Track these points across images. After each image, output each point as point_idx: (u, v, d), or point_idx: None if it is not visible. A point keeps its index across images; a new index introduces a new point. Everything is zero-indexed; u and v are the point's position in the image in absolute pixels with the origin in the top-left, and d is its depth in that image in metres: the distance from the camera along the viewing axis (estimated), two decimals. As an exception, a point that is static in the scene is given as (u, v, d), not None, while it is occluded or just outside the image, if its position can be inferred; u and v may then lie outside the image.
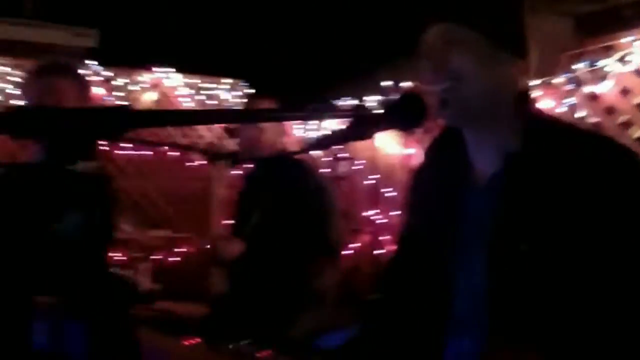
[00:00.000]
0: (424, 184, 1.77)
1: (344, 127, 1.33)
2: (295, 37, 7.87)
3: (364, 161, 6.01)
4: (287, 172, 3.59)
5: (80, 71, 2.79)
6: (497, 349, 1.42)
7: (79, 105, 2.50)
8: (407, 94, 1.34)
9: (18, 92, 5.99)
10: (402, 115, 1.33)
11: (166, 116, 1.17)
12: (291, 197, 3.52)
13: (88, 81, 2.72)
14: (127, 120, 0.99)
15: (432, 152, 1.77)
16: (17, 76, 5.99)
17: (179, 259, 6.32)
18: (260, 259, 3.49)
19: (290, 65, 7.83)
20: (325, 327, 3.20)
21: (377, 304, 1.79)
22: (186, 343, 1.77)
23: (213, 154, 3.59)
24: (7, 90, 6.02)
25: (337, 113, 1.30)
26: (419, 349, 1.61)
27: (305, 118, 2.92)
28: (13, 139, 0.94)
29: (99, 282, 2.44)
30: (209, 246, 3.87)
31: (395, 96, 1.32)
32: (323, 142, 1.48)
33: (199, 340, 2.21)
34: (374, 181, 5.93)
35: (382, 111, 1.31)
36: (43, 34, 7.83)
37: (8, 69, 6.08)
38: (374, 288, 1.91)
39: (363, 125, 1.32)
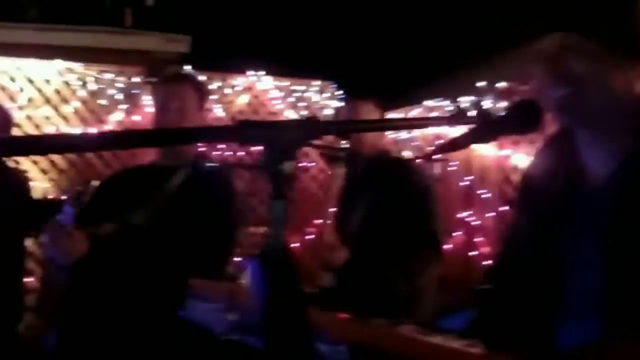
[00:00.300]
0: (537, 184, 1.83)
1: (465, 131, 1.41)
2: (387, 38, 7.95)
3: (457, 162, 6.05)
4: (394, 170, 3.69)
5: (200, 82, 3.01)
6: (613, 338, 1.49)
7: (198, 108, 2.72)
8: (524, 100, 1.42)
9: (122, 96, 6.34)
10: (520, 120, 1.41)
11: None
12: (399, 194, 3.60)
13: (207, 90, 2.90)
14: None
15: (545, 153, 1.83)
16: (121, 82, 6.31)
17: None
18: (367, 254, 3.57)
19: (382, 65, 7.91)
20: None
21: (489, 292, 1.87)
22: (340, 317, 1.86)
23: (331, 155, 3.70)
24: (115, 96, 6.31)
25: (464, 119, 1.38)
26: (532, 336, 1.68)
27: (436, 124, 2.97)
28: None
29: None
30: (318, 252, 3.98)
31: (507, 101, 1.41)
32: (447, 147, 1.55)
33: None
34: (468, 182, 5.95)
35: (502, 116, 1.39)
36: (139, 41, 8.18)
37: (112, 76, 6.37)
38: (482, 281, 1.98)
39: (485, 130, 1.40)
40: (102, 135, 1.99)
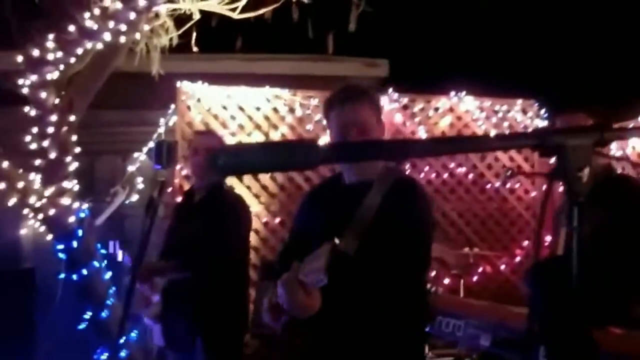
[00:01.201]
0: None
1: None
2: (591, 55, 7.69)
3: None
4: (620, 188, 3.56)
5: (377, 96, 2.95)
6: None
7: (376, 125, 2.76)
8: None
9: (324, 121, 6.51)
10: None
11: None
12: (627, 213, 3.47)
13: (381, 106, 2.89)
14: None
15: None
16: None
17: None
18: (597, 276, 3.44)
19: (586, 82, 7.65)
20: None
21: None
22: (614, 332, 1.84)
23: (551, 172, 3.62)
24: (323, 122, 6.49)
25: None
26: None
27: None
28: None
29: None
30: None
31: None
32: None
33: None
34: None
35: None
36: (339, 67, 8.40)
37: (317, 101, 6.58)
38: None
39: None
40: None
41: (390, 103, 6.80)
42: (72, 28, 4.54)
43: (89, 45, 4.64)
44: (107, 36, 4.66)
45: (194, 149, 4.18)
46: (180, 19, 6.17)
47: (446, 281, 6.48)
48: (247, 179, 6.44)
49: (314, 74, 8.12)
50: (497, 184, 7.03)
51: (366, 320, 2.60)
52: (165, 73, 6.32)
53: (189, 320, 3.96)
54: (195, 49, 6.18)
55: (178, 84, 6.44)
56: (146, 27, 5.52)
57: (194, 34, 6.18)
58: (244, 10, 5.97)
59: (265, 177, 6.47)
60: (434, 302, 4.41)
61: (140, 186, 6.67)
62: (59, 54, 4.57)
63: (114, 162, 7.28)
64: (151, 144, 6.55)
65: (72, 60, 4.69)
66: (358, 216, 2.64)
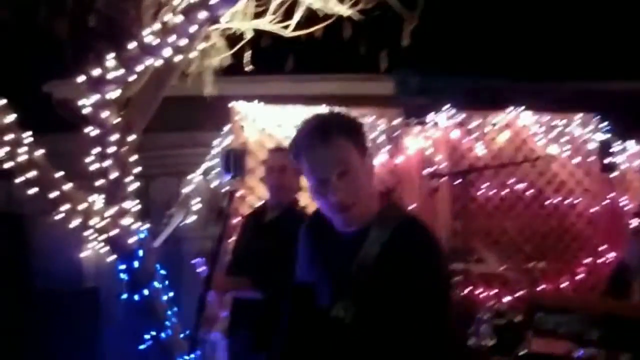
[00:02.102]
0: None
1: None
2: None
3: None
4: None
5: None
6: None
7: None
8: None
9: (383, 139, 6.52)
10: None
11: None
12: None
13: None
14: None
15: None
16: (382, 124, 6.52)
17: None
18: None
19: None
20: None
21: None
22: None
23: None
24: (378, 140, 6.51)
25: None
26: None
27: None
28: None
29: None
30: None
31: None
32: None
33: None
34: None
35: None
36: (388, 86, 8.39)
37: (373, 119, 6.58)
38: None
39: None
40: None
41: (446, 119, 6.77)
42: (132, 45, 4.62)
43: (148, 61, 4.73)
44: (167, 52, 4.74)
45: (270, 167, 4.12)
46: (231, 39, 6.26)
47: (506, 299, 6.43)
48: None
49: (364, 93, 8.13)
50: (557, 199, 6.94)
51: None
52: (217, 95, 6.41)
53: (254, 338, 3.94)
54: (248, 68, 6.24)
55: (232, 103, 6.50)
56: (199, 48, 5.63)
57: (247, 54, 6.25)
58: (296, 28, 6.02)
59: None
60: (532, 299, 4.33)
61: (197, 207, 6.72)
62: (120, 72, 4.66)
63: (169, 184, 7.36)
64: (214, 159, 6.61)
65: (132, 78, 4.78)
66: (353, 274, 2.26)
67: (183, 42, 4.81)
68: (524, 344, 5.18)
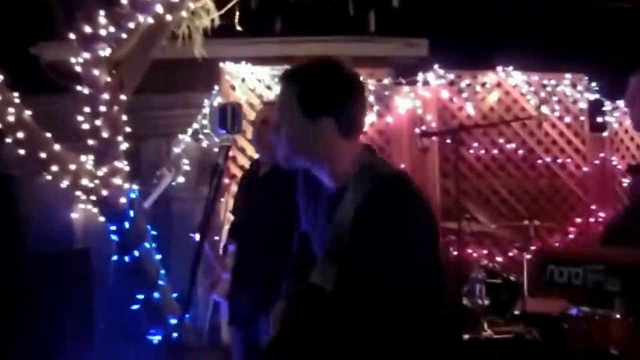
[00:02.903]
0: None
1: None
2: None
3: None
4: None
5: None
6: None
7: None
8: None
9: (372, 99, 6.50)
10: None
11: None
12: None
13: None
14: None
15: None
16: (372, 85, 6.50)
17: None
18: None
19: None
20: None
21: None
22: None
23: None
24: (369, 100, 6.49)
25: None
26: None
27: None
28: None
29: None
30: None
31: None
32: None
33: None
34: None
35: None
36: (379, 47, 8.37)
37: (362, 79, 6.54)
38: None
39: None
40: None
41: (436, 79, 6.76)
42: (124, 1, 4.56)
43: (141, 18, 4.66)
44: (159, 8, 4.68)
45: (262, 119, 3.96)
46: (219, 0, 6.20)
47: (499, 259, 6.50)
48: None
49: (354, 54, 8.08)
50: (548, 159, 6.96)
51: None
52: (206, 56, 6.36)
53: (253, 296, 3.92)
54: (238, 28, 6.19)
55: (221, 64, 6.45)
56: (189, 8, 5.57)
57: (237, 15, 6.19)
58: (286, -12, 5.97)
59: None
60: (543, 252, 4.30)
61: (186, 168, 6.70)
62: (111, 29, 4.60)
63: (159, 145, 7.34)
64: (203, 120, 6.58)
65: (123, 35, 4.72)
66: (331, 237, 2.17)
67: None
68: (518, 303, 5.23)
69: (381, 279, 2.07)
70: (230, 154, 6.25)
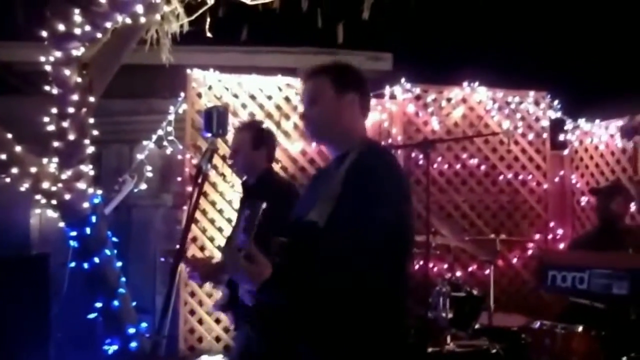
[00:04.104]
0: None
1: None
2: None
3: None
4: None
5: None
6: None
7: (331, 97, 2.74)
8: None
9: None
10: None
11: None
12: None
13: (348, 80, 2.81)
14: None
15: None
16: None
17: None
18: None
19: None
20: None
21: None
22: None
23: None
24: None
25: None
26: None
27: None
28: None
29: None
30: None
31: None
32: None
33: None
34: None
35: None
36: (343, 60, 8.36)
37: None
38: None
39: None
40: None
41: (403, 93, 6.79)
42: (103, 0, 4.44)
43: (119, 18, 4.56)
44: (139, 8, 4.58)
45: (235, 150, 4.17)
46: (189, 6, 6.11)
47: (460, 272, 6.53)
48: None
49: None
50: (509, 176, 7.04)
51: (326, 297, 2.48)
52: (173, 63, 6.27)
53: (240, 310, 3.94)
54: (208, 35, 6.11)
55: (188, 71, 6.39)
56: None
57: (208, 21, 6.11)
58: (257, -4, 5.90)
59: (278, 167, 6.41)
60: (542, 258, 4.34)
61: (149, 175, 6.59)
62: (87, 28, 4.48)
63: (121, 151, 7.22)
64: (168, 127, 6.51)
65: (99, 35, 4.61)
66: (329, 187, 2.64)
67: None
68: (480, 317, 5.26)
69: (360, 215, 2.48)
70: (194, 161, 6.19)
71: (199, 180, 2.88)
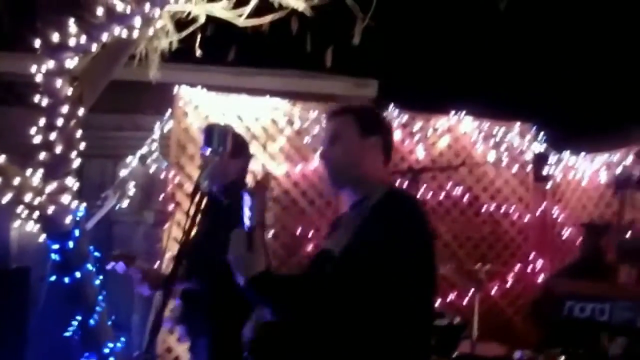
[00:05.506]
0: None
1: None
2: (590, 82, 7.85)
3: None
4: None
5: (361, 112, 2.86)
6: None
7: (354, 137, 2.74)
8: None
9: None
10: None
11: None
12: None
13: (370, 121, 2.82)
14: None
15: None
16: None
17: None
18: None
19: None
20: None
21: None
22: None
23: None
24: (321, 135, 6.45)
25: None
26: None
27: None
28: None
29: None
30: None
31: None
32: None
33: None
34: None
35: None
36: (328, 85, 8.41)
37: (315, 114, 6.56)
38: None
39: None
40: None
41: (390, 120, 6.80)
42: (100, 11, 4.39)
43: (116, 30, 4.51)
44: (137, 21, 4.53)
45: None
46: (178, 23, 6.09)
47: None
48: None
49: (304, 90, 8.09)
50: (492, 207, 7.07)
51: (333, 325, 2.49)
52: (161, 81, 6.22)
53: (197, 321, 3.93)
54: (198, 53, 6.08)
55: (176, 88, 6.35)
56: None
57: (197, 40, 6.09)
58: (248, 17, 5.89)
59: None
60: (557, 288, 4.34)
61: (132, 191, 6.52)
62: (82, 39, 4.42)
63: (104, 166, 7.16)
64: (153, 144, 6.46)
65: (94, 47, 4.55)
66: (347, 222, 2.71)
67: (157, 12, 4.62)
68: (459, 346, 5.27)
69: (372, 258, 2.48)
70: (177, 180, 6.15)
71: (197, 198, 2.83)
